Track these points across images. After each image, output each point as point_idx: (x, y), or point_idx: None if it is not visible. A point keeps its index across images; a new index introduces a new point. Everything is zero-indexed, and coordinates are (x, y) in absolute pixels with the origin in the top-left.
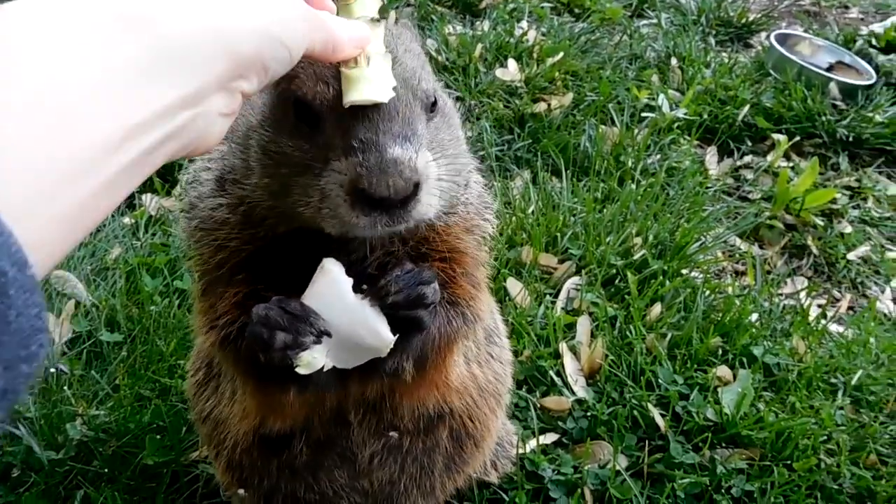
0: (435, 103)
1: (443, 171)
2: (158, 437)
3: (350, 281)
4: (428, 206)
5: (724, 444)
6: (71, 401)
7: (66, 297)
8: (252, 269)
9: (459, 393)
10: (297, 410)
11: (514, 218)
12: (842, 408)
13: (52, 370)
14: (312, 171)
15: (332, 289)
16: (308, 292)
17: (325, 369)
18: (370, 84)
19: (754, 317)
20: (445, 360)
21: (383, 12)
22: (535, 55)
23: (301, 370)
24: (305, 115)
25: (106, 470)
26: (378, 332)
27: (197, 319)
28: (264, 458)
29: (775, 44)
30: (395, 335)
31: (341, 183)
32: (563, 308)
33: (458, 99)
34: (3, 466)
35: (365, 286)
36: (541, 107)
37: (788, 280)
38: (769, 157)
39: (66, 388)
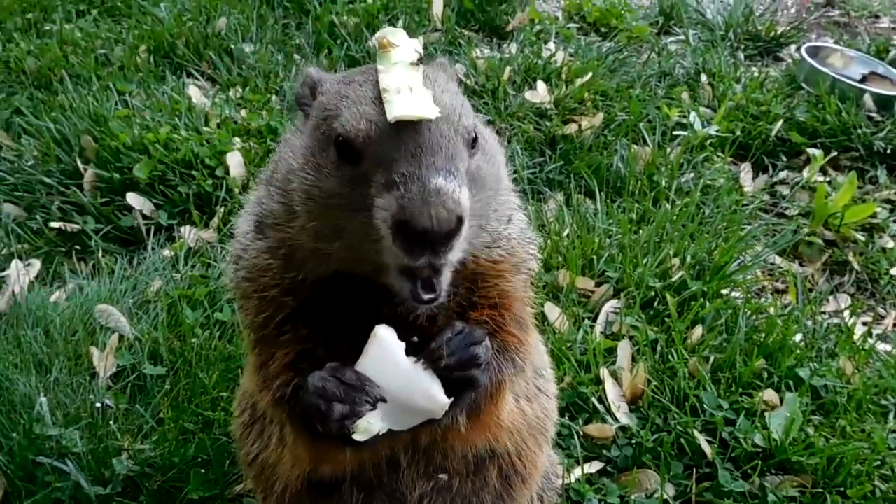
0: (476, 140)
1: (478, 206)
2: (203, 470)
3: (402, 345)
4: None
5: (773, 471)
6: (117, 435)
7: (109, 331)
8: (299, 325)
9: (510, 432)
10: (350, 461)
11: (549, 241)
12: (894, 431)
13: (98, 405)
14: (359, 209)
15: (385, 355)
16: (362, 360)
17: (380, 433)
18: (415, 104)
19: (798, 337)
20: (497, 404)
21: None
22: (563, 76)
23: (358, 437)
24: (348, 153)
25: None
26: (433, 396)
27: (251, 378)
28: (314, 503)
29: (806, 56)
30: (449, 398)
31: (384, 219)
32: (602, 332)
33: (487, 122)
34: (53, 503)
35: (416, 338)
36: (571, 128)
37: (831, 298)
38: (805, 173)
39: (111, 422)
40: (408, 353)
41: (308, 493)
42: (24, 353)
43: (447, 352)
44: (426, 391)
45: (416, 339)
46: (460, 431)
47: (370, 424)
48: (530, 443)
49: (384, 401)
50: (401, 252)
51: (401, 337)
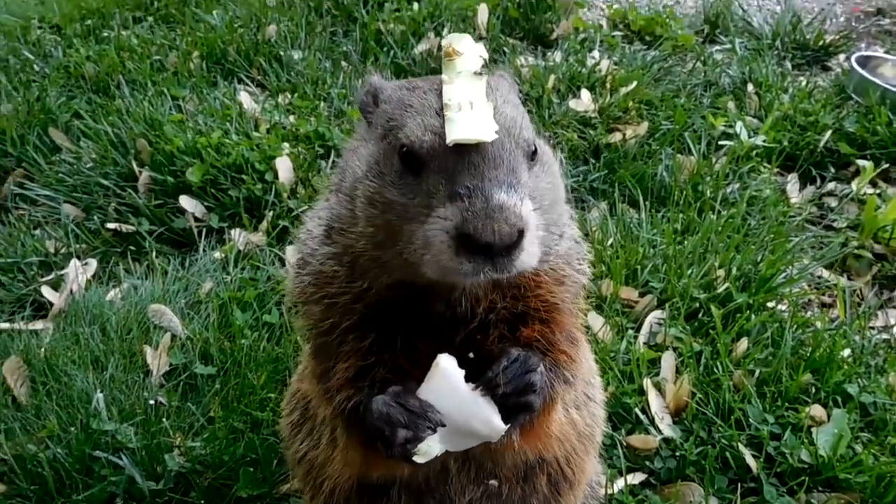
0: (535, 152)
1: (541, 220)
2: (252, 469)
3: (462, 373)
4: (530, 254)
5: (820, 488)
6: (169, 432)
7: (162, 330)
8: (361, 335)
9: (560, 441)
10: (405, 471)
11: (592, 250)
12: None
13: (151, 402)
14: (417, 219)
15: (446, 383)
16: (424, 386)
17: (438, 455)
18: (474, 125)
19: (846, 352)
20: (548, 417)
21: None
22: (608, 85)
23: (418, 459)
24: (411, 163)
25: (203, 502)
26: (490, 422)
27: (310, 383)
28: None
29: (856, 66)
30: (505, 421)
31: (446, 229)
32: (645, 343)
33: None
34: (108, 496)
35: (472, 354)
36: (616, 137)
37: (880, 312)
38: (854, 184)
39: (164, 419)
40: (467, 378)
41: (357, 494)
42: (81, 350)
43: (504, 380)
44: (485, 418)
45: (471, 355)
46: (512, 445)
47: (430, 447)
48: (579, 449)
49: (444, 425)
50: (463, 261)
51: (456, 353)
